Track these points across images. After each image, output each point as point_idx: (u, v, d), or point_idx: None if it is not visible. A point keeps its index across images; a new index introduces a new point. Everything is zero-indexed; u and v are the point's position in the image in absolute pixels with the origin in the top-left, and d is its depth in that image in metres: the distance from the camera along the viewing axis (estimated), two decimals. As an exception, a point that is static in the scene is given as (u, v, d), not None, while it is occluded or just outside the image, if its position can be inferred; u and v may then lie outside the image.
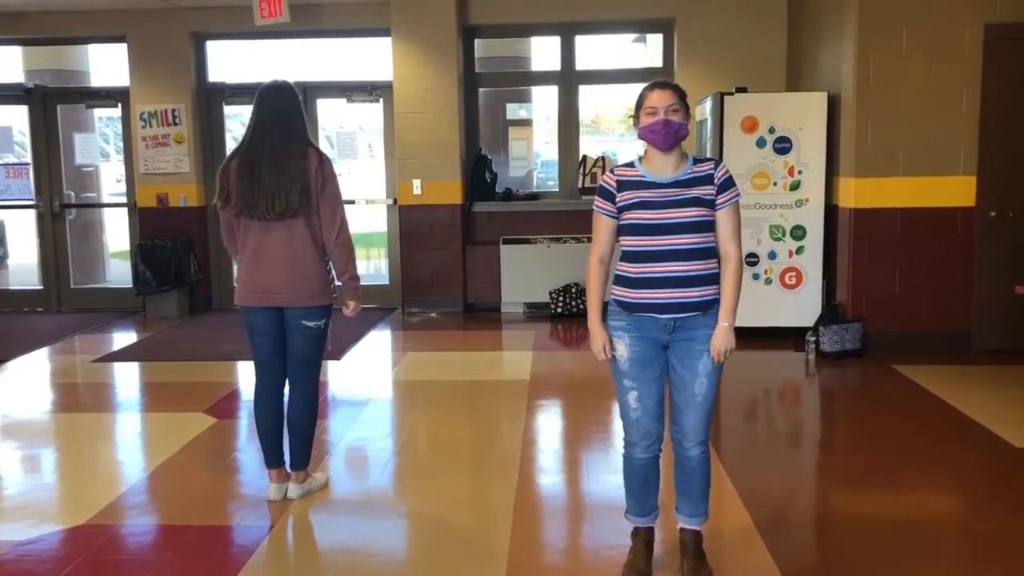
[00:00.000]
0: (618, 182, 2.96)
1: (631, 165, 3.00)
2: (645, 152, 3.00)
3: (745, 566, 3.18)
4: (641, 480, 3.08)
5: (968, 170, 6.19)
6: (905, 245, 6.31)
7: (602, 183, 3.00)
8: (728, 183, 2.93)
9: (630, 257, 2.93)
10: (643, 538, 3.13)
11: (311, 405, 3.91)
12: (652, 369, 2.96)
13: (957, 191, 6.23)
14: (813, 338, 6.29)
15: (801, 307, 6.70)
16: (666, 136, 2.87)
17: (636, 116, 2.97)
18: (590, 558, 3.29)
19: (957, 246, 6.28)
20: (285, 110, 3.72)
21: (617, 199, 2.94)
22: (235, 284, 3.86)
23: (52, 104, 8.89)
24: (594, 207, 3.01)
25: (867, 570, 3.15)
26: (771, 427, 5.21)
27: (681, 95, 2.93)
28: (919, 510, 3.69)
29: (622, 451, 3.11)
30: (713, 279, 2.92)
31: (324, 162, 3.72)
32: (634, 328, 2.93)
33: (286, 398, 3.90)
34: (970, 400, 5.15)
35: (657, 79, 3.16)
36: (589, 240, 8.03)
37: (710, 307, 2.92)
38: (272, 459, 3.89)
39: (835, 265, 6.66)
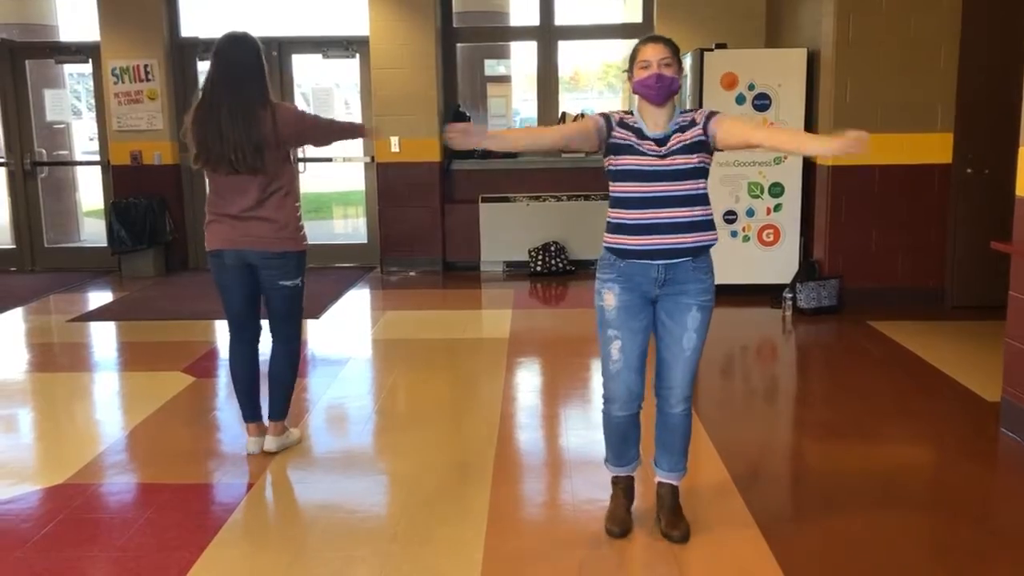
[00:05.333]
0: (620, 119, 2.98)
1: (629, 113, 3.01)
2: (638, 105, 3.01)
3: (722, 518, 3.23)
4: (620, 435, 3.11)
5: (945, 127, 6.21)
6: (882, 202, 6.35)
7: (607, 112, 3.02)
8: (711, 115, 2.95)
9: (626, 203, 2.93)
10: (623, 487, 3.18)
11: (293, 357, 3.91)
12: (638, 320, 2.96)
13: (934, 148, 6.25)
14: (790, 295, 6.34)
15: (778, 264, 6.74)
16: (659, 91, 2.89)
17: (630, 70, 2.99)
18: (570, 512, 3.33)
19: (933, 203, 6.32)
20: (242, 62, 3.59)
21: (614, 132, 2.95)
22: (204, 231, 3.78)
23: (20, 59, 8.69)
24: (591, 112, 3.01)
25: (841, 521, 3.20)
26: (748, 383, 5.26)
27: (674, 49, 2.96)
28: (892, 462, 3.76)
29: (601, 408, 3.13)
30: (707, 225, 2.95)
31: (278, 112, 3.61)
32: (624, 279, 2.95)
33: (266, 352, 3.89)
34: (943, 355, 5.23)
35: (650, 34, 3.17)
36: (568, 198, 8.16)
37: (701, 253, 2.95)
38: (249, 413, 3.90)
39: (812, 222, 6.69)
